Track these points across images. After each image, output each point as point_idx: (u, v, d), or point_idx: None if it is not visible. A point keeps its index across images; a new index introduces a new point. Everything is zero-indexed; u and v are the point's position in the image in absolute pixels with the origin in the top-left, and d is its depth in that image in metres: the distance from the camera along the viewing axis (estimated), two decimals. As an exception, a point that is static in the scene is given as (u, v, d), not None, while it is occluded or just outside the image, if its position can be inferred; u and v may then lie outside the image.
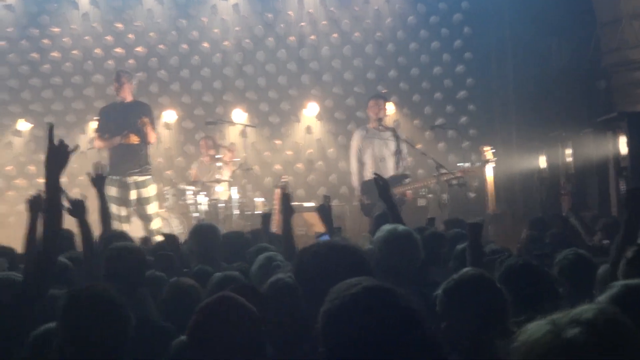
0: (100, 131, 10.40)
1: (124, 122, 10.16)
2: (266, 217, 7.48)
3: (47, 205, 4.00)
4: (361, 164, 10.86)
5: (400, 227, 4.88)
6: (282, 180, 11.40)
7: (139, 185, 10.35)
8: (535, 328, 1.77)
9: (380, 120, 10.71)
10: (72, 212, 5.20)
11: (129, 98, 10.38)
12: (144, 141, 10.22)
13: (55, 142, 3.90)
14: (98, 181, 6.43)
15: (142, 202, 10.39)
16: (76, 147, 4.10)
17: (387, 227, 4.87)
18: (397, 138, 10.73)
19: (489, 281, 3.51)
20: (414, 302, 2.40)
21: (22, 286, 4.02)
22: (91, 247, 5.21)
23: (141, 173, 10.29)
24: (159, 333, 3.94)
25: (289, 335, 3.43)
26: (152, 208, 10.53)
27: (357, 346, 2.24)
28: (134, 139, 10.15)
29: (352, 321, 2.28)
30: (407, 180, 10.75)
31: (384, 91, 12.53)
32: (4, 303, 3.90)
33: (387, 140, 10.74)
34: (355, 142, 10.98)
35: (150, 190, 10.46)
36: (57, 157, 3.91)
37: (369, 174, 10.31)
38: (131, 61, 12.92)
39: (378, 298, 2.33)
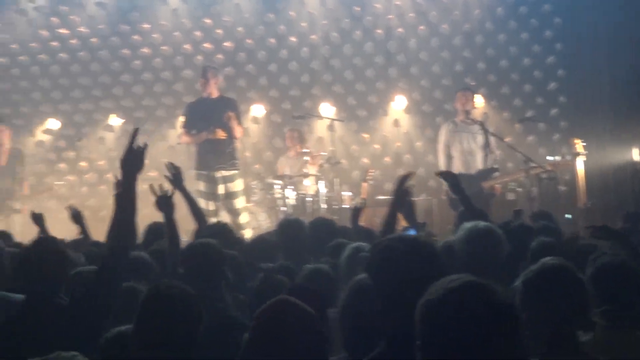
0: (187, 127, 11.61)
1: (211, 117, 11.29)
2: (356, 211, 7.67)
3: (121, 203, 4.42)
4: (449, 157, 11.88)
5: (481, 224, 5.19)
6: (370, 173, 12.70)
7: (226, 180, 11.55)
8: None
9: (468, 113, 11.84)
10: (158, 206, 5.93)
11: (215, 93, 11.64)
12: (231, 136, 11.40)
13: (135, 145, 4.42)
14: (177, 180, 6.96)
15: (229, 196, 11.54)
16: (146, 147, 4.52)
17: (467, 225, 5.20)
18: (485, 131, 11.75)
19: (570, 271, 3.77)
20: (510, 298, 2.62)
21: (95, 278, 4.48)
22: (176, 243, 5.72)
23: (228, 167, 11.55)
24: (233, 327, 4.44)
25: (363, 335, 3.66)
26: (239, 202, 11.69)
27: (453, 340, 2.42)
28: (221, 134, 11.32)
29: (450, 315, 2.47)
30: (495, 174, 11.75)
31: (472, 84, 13.84)
32: (75, 297, 4.40)
33: (475, 133, 11.78)
34: (442, 135, 12.07)
35: (238, 185, 11.73)
36: (134, 159, 4.40)
37: (456, 168, 11.53)
38: (219, 56, 14.74)
39: (477, 293, 2.51)
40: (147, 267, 5.48)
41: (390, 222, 5.93)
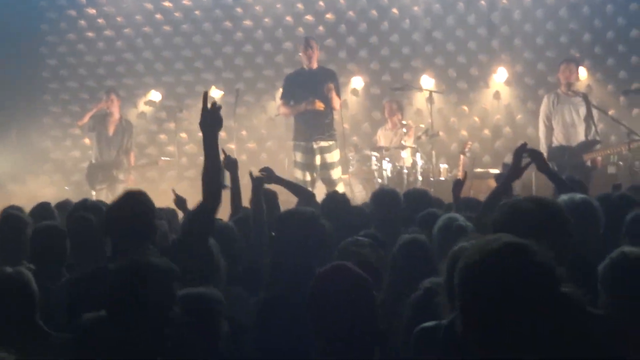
0: (285, 98, 12.26)
1: (310, 88, 11.86)
2: (458, 184, 7.57)
3: (208, 165, 4.86)
4: (550, 129, 12.40)
5: (578, 196, 5.32)
6: (468, 146, 13.38)
7: (323, 151, 12.08)
8: None
9: (570, 84, 12.35)
10: (225, 166, 6.50)
11: (315, 65, 12.16)
12: (329, 107, 11.88)
13: (209, 105, 4.85)
14: (230, 165, 7.03)
15: (326, 167, 12.09)
16: (220, 107, 4.92)
17: (564, 197, 5.30)
18: (588, 103, 12.29)
19: None
20: (552, 261, 2.70)
21: (179, 239, 5.10)
22: (260, 214, 6.23)
23: (326, 138, 12.03)
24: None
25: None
26: (336, 173, 12.24)
27: (493, 301, 2.56)
28: (319, 106, 11.86)
29: (489, 278, 2.60)
30: (597, 147, 12.22)
31: (577, 55, 14.37)
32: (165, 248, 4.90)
33: (577, 105, 12.31)
34: (544, 106, 12.57)
35: (335, 156, 12.26)
36: (212, 119, 4.83)
37: (557, 140, 12.22)
38: (321, 28, 15.84)
39: (516, 254, 2.63)
40: (229, 234, 5.78)
41: (500, 191, 6.20)
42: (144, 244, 4.89)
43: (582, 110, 12.24)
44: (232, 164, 6.89)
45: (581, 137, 12.23)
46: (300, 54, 12.40)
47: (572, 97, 12.35)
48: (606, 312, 3.68)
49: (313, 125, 11.95)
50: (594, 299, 3.69)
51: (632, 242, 4.57)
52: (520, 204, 3.88)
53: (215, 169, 4.89)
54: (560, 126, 12.34)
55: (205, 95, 4.92)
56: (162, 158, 15.13)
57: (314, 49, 12.22)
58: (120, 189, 12.27)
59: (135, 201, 5.09)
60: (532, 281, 2.57)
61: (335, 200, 7.47)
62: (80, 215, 5.90)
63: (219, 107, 4.88)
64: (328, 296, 3.45)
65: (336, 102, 11.91)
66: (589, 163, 11.96)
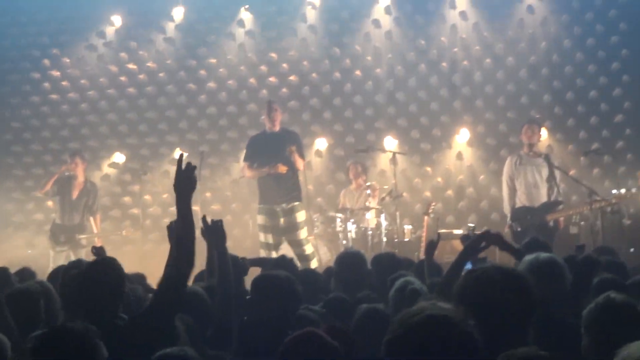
0: (249, 160, 12.20)
1: (272, 151, 11.86)
2: (431, 245, 7.37)
3: (180, 230, 4.75)
4: (513, 190, 12.50)
5: (543, 255, 5.34)
6: (431, 206, 13.40)
7: (287, 213, 11.99)
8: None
9: (532, 145, 12.48)
10: (206, 234, 5.98)
11: (277, 127, 12.10)
12: (292, 169, 11.89)
13: (181, 167, 4.75)
14: (211, 231, 6.17)
15: (292, 228, 11.96)
16: (195, 167, 4.85)
17: (528, 258, 5.34)
18: (550, 164, 12.38)
19: (633, 307, 4.07)
20: (473, 330, 2.87)
21: (146, 310, 4.82)
22: (227, 276, 5.72)
23: (289, 200, 11.93)
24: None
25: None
26: (303, 233, 12.09)
27: None
28: (282, 169, 11.73)
29: (411, 351, 2.75)
30: (560, 207, 12.35)
31: (537, 116, 14.62)
32: (133, 319, 4.72)
33: (539, 166, 12.41)
34: (507, 168, 12.67)
35: (300, 216, 12.10)
36: (186, 181, 4.73)
37: (521, 201, 12.31)
38: (284, 90, 15.96)
39: (437, 328, 2.77)
40: (200, 301, 5.67)
41: (460, 262, 6.03)
42: (112, 312, 4.86)
43: (545, 171, 12.36)
44: (213, 231, 6.03)
45: (544, 197, 12.32)
46: (264, 117, 12.51)
47: (535, 158, 12.46)
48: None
49: (276, 189, 11.95)
50: (563, 355, 3.74)
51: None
52: (487, 274, 3.86)
53: (189, 232, 4.73)
54: (523, 187, 12.43)
55: (181, 158, 4.81)
56: (127, 229, 14.88)
57: (277, 111, 12.23)
58: (82, 254, 12.21)
59: (107, 269, 5.00)
60: (452, 353, 2.69)
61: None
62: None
63: (194, 168, 4.82)
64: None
65: (299, 164, 11.93)
66: (551, 223, 12.03)
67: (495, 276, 3.81)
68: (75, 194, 13.75)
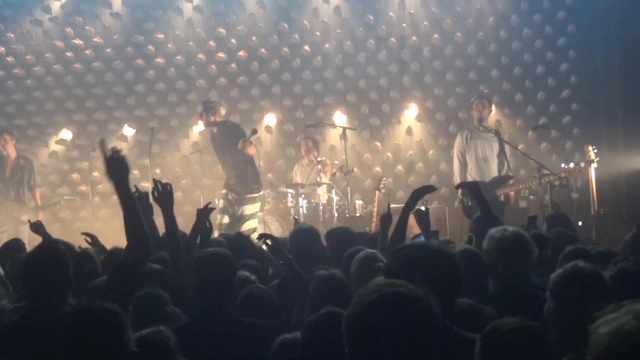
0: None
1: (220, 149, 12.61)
2: (423, 214, 7.69)
3: (127, 214, 4.59)
4: (464, 165, 12.78)
5: (509, 230, 5.49)
6: (382, 182, 13.55)
7: (241, 202, 12.53)
8: (618, 320, 2.13)
9: (482, 120, 12.74)
10: (157, 199, 6.22)
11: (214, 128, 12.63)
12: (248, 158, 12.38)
13: (107, 153, 4.57)
14: (160, 196, 6.39)
15: (239, 219, 12.41)
16: (120, 150, 4.67)
17: (495, 233, 5.46)
18: (500, 139, 12.66)
19: (597, 273, 4.16)
20: (432, 305, 2.87)
21: (106, 288, 4.78)
22: (176, 241, 6.04)
23: (249, 192, 12.46)
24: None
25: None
26: (248, 225, 12.37)
27: (376, 351, 2.75)
28: (251, 150, 12.17)
29: (371, 328, 2.78)
30: (510, 182, 12.60)
31: (486, 91, 14.81)
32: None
33: (490, 141, 12.70)
34: (458, 142, 12.97)
35: (250, 209, 12.51)
36: (118, 166, 4.55)
37: (471, 176, 12.47)
38: (233, 65, 15.82)
39: (395, 305, 2.80)
40: (159, 274, 5.74)
41: (400, 230, 6.76)
42: (62, 296, 4.95)
43: (495, 146, 12.61)
44: (164, 196, 6.23)
45: (494, 172, 12.59)
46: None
47: (485, 132, 12.69)
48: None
49: (235, 177, 12.39)
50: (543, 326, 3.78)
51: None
52: (412, 252, 3.90)
53: (136, 217, 4.61)
54: (474, 162, 12.70)
55: (102, 143, 4.66)
56: (65, 197, 14.85)
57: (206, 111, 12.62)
58: (25, 232, 11.92)
59: (52, 253, 5.04)
60: (411, 330, 2.74)
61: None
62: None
63: (120, 151, 4.63)
64: (322, 343, 3.60)
65: (251, 150, 12.20)
66: (502, 198, 12.21)
67: (418, 254, 3.84)
68: (7, 171, 13.69)
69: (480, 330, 3.43)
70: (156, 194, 6.21)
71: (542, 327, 3.49)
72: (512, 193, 12.46)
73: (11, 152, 13.78)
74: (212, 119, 12.45)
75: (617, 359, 2.08)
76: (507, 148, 12.72)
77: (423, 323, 2.80)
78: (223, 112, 12.65)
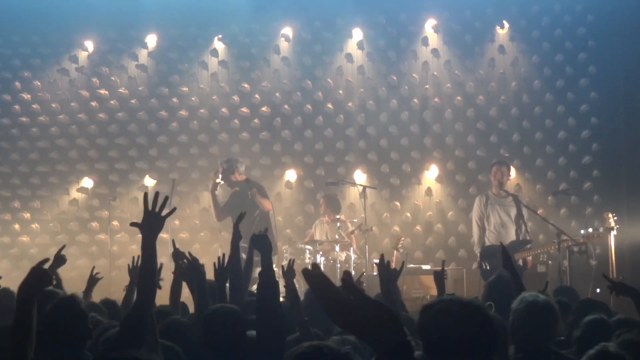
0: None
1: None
2: (439, 275, 7.86)
3: (143, 266, 4.78)
4: (482, 229, 12.85)
5: (541, 298, 5.46)
6: (401, 241, 13.55)
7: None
8: None
9: (501, 185, 12.84)
10: (186, 274, 6.56)
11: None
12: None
13: (150, 207, 4.74)
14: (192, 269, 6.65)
15: None
16: (173, 210, 4.95)
17: (528, 296, 5.48)
18: (518, 203, 12.73)
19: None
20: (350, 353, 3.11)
21: (116, 336, 4.92)
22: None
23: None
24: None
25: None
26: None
27: None
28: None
29: None
30: (528, 246, 12.57)
31: (506, 155, 14.93)
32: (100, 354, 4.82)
33: (508, 206, 12.78)
34: (476, 207, 13.07)
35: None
36: (155, 221, 4.72)
37: (490, 240, 12.45)
38: (256, 120, 15.91)
39: (315, 355, 3.06)
40: (183, 331, 5.75)
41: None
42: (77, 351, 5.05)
43: (513, 211, 12.68)
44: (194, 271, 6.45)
45: (512, 236, 12.60)
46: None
47: (504, 197, 12.79)
48: None
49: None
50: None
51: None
52: (445, 307, 3.65)
53: (150, 271, 4.78)
54: (492, 227, 12.77)
55: (146, 197, 4.78)
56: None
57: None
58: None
59: (72, 306, 5.11)
60: None
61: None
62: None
63: (170, 212, 4.84)
64: None
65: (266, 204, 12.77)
66: (520, 262, 12.14)
67: (453, 309, 3.61)
68: None
69: None
70: (182, 267, 6.49)
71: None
72: (529, 257, 12.43)
73: None
74: (234, 178, 12.83)
75: None
76: (525, 212, 12.76)
77: None
78: (242, 168, 12.76)
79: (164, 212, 4.75)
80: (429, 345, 3.38)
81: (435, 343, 3.39)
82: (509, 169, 13.12)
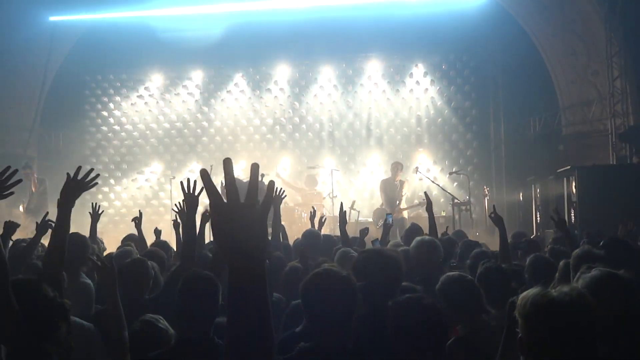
0: None
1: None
2: (363, 232, 9.36)
3: (57, 223, 4.82)
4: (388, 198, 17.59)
5: (426, 238, 6.93)
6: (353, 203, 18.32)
7: None
8: (530, 292, 2.93)
9: (396, 175, 17.81)
10: (101, 278, 5.11)
11: None
12: None
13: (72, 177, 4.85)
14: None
15: None
16: (97, 176, 4.91)
17: (417, 238, 6.89)
18: (402, 185, 17.55)
19: (469, 281, 5.09)
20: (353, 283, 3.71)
21: (161, 292, 5.79)
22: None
23: None
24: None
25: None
26: None
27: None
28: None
29: (313, 293, 3.75)
30: (416, 202, 17.76)
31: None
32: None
33: (398, 186, 17.44)
34: (382, 185, 18.18)
35: None
36: (74, 186, 4.82)
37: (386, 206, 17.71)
38: (263, 128, 22.55)
39: (326, 277, 3.72)
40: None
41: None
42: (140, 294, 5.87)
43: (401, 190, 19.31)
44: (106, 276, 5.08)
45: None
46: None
47: (396, 182, 18.78)
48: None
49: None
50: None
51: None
52: (370, 256, 4.81)
53: (59, 226, 4.79)
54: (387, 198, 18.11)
55: (77, 170, 4.87)
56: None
57: None
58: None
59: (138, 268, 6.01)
60: (337, 296, 3.73)
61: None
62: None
63: (84, 179, 4.89)
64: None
65: None
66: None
67: (373, 257, 4.81)
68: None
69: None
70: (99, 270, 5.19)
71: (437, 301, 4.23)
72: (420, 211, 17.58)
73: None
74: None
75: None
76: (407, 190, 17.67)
77: (347, 292, 3.67)
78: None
79: (87, 180, 4.79)
80: (311, 316, 3.90)
81: (362, 279, 4.31)
82: (401, 167, 18.09)
